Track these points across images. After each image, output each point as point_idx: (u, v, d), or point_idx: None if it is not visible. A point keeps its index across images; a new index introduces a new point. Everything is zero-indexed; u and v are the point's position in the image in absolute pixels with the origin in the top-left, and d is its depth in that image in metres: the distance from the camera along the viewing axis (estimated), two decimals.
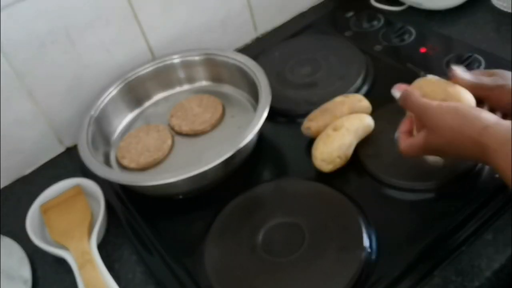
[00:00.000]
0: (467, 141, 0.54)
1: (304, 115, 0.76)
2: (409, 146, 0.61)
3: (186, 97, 0.88)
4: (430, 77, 0.66)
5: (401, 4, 0.98)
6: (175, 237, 0.70)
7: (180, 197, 0.74)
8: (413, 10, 0.96)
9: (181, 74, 0.90)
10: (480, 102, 0.60)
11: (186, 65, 0.89)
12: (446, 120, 0.55)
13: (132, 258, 0.70)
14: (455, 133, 0.55)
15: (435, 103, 0.58)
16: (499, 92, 0.59)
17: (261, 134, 0.78)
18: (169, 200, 0.74)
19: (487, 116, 0.54)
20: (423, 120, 0.58)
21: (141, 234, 0.71)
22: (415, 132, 0.62)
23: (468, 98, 0.59)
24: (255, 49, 0.98)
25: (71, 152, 0.89)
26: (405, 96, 0.61)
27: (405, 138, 0.62)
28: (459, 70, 0.62)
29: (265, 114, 0.72)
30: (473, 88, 0.61)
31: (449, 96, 0.60)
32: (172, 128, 0.83)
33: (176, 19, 0.91)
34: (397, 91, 0.62)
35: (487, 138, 0.52)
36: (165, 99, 0.90)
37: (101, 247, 0.70)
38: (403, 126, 0.63)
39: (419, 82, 0.63)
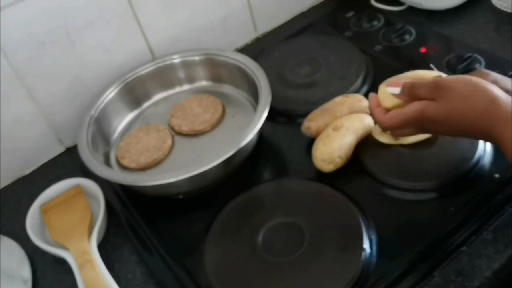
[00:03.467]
0: (474, 109, 0.54)
1: (304, 115, 0.76)
2: (392, 117, 0.60)
3: (186, 97, 0.88)
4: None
5: (401, 4, 0.98)
6: (175, 237, 0.69)
7: (180, 197, 0.74)
8: (413, 10, 0.96)
9: (181, 74, 0.90)
10: None
11: (186, 65, 0.89)
12: (458, 86, 0.55)
13: (132, 258, 0.70)
14: (465, 99, 0.55)
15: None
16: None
17: (261, 134, 0.78)
18: (169, 200, 0.74)
19: (497, 89, 0.54)
20: (435, 91, 0.57)
21: (141, 234, 0.71)
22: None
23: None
24: (255, 49, 0.98)
25: (71, 152, 0.89)
26: (409, 86, 0.60)
27: (382, 112, 0.62)
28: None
29: (265, 114, 0.72)
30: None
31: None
32: (172, 128, 0.83)
33: (176, 19, 0.91)
34: (393, 88, 0.61)
35: (496, 108, 0.52)
36: (165, 99, 0.90)
37: (101, 247, 0.70)
38: (373, 101, 0.64)
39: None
